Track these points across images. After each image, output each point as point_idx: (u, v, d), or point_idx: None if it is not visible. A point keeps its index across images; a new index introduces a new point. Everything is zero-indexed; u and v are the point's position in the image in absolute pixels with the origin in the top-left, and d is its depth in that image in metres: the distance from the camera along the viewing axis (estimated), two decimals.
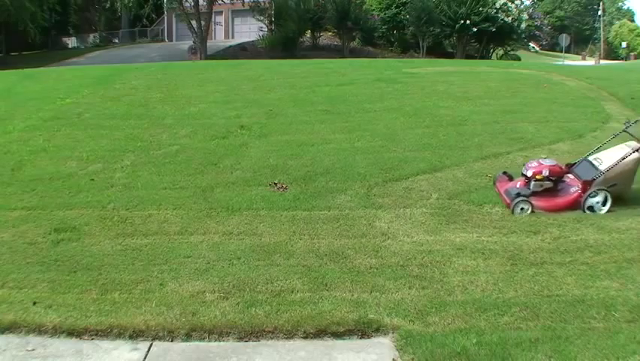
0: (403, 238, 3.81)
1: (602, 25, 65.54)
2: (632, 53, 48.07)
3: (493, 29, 25.71)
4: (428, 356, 2.42)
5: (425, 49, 26.65)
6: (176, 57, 24.25)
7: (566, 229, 3.94)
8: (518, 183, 4.55)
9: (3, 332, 2.67)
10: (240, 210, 4.41)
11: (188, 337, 2.64)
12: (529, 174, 4.47)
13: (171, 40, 39.64)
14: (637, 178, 4.56)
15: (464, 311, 2.79)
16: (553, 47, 49.94)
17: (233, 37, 36.92)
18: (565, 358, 2.39)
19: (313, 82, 10.35)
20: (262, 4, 28.14)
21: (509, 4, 26.54)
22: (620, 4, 78.93)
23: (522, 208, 4.32)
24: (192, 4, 25.68)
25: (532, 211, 4.31)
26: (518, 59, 28.07)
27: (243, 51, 27.04)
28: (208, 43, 26.35)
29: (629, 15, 76.26)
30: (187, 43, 29.01)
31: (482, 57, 26.59)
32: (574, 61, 36.69)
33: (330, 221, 4.12)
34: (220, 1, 27.52)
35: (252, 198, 4.67)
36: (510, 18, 26.45)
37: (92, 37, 41.91)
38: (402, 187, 4.90)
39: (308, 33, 27.52)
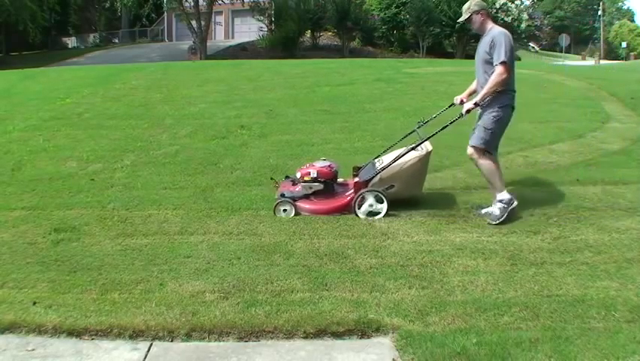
0: (403, 238, 3.81)
1: (602, 25, 65.56)
2: (632, 53, 48.09)
3: None
4: (428, 356, 2.42)
5: (425, 49, 26.66)
6: (176, 57, 24.26)
7: (566, 229, 3.94)
8: (298, 187, 4.44)
9: (3, 332, 2.67)
10: (240, 210, 4.41)
11: (188, 337, 2.64)
12: (298, 175, 4.41)
13: (171, 40, 39.64)
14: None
15: (464, 311, 2.79)
16: (553, 47, 49.94)
17: (233, 37, 36.93)
18: (565, 358, 2.39)
19: (313, 82, 10.36)
20: (262, 4, 28.15)
21: (509, 4, 26.56)
22: (620, 4, 78.97)
23: (284, 210, 4.28)
24: (192, 4, 25.69)
25: (298, 213, 4.25)
26: (518, 59, 28.08)
27: (243, 51, 27.05)
28: (208, 43, 26.36)
29: (629, 15, 76.32)
30: (187, 43, 29.02)
31: None
32: (574, 61, 36.68)
33: (330, 221, 4.13)
34: (220, 1, 27.52)
35: (252, 198, 4.67)
36: (510, 18, 26.47)
37: (92, 37, 41.92)
38: None
39: (308, 33, 27.53)
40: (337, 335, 2.66)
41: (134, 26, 40.43)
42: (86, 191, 4.94)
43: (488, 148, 4.22)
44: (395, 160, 4.29)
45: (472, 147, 4.24)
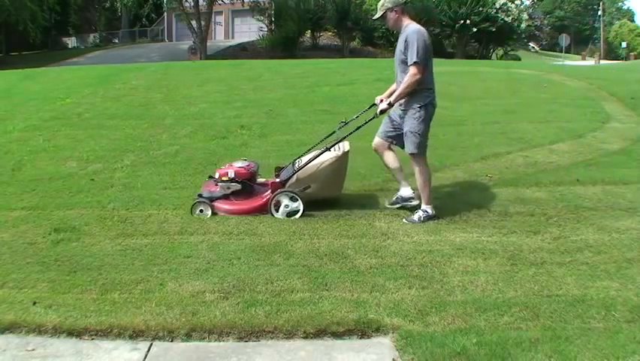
0: (403, 238, 3.81)
1: (602, 25, 65.57)
2: (632, 53, 48.09)
3: (493, 29, 25.75)
4: (428, 356, 2.42)
5: None
6: (176, 57, 24.28)
7: (566, 229, 3.94)
8: (218, 187, 4.44)
9: (3, 332, 2.67)
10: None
11: (188, 337, 2.64)
12: (217, 176, 4.40)
13: (171, 40, 39.66)
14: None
15: (464, 311, 2.79)
16: (553, 47, 49.98)
17: (233, 37, 36.95)
18: (565, 358, 2.39)
19: (313, 82, 10.36)
20: (262, 4, 28.17)
21: (509, 4, 26.58)
22: (620, 4, 79.00)
23: (201, 210, 4.27)
24: (192, 4, 25.71)
25: (215, 213, 4.24)
26: (518, 59, 28.11)
27: (243, 51, 27.07)
28: (208, 43, 26.38)
29: (629, 15, 76.35)
30: (187, 43, 29.03)
31: (482, 57, 26.63)
32: (574, 61, 36.70)
33: (330, 221, 4.13)
34: (220, 1, 27.53)
35: None
36: (510, 18, 26.49)
37: (92, 37, 41.94)
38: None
39: (308, 33, 27.56)
40: (337, 335, 2.66)
41: (134, 26, 40.45)
42: (86, 191, 4.94)
43: (424, 152, 4.22)
44: (311, 161, 4.30)
45: (411, 155, 4.23)
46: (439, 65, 14.46)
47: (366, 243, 3.71)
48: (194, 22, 25.33)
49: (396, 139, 4.35)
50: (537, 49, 39.05)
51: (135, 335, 2.64)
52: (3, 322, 2.70)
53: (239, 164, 4.48)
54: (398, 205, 4.36)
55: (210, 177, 4.60)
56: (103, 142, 6.56)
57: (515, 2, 27.23)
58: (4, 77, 13.21)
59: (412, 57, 3.96)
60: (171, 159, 5.86)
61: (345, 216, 4.25)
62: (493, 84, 9.85)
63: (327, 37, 28.56)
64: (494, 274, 3.23)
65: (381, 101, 4.31)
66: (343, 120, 4.50)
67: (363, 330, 2.68)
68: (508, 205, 4.45)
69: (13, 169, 5.66)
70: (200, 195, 4.35)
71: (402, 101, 4.15)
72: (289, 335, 2.65)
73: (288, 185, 4.30)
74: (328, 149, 4.34)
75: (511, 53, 29.76)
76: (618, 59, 48.31)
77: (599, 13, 68.19)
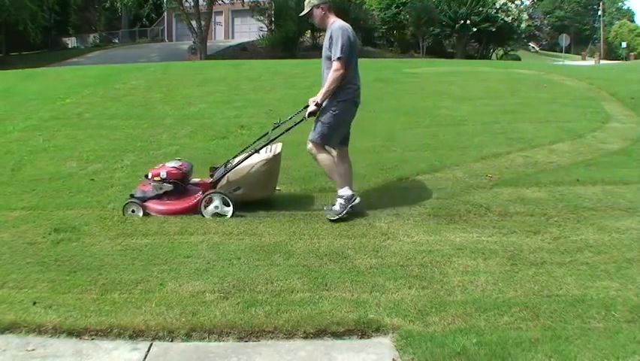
0: (402, 238, 3.81)
1: (602, 25, 65.58)
2: (632, 53, 48.10)
3: (493, 29, 25.76)
4: (428, 356, 2.42)
5: (425, 49, 26.67)
6: (176, 57, 24.27)
7: (566, 229, 3.94)
8: (151, 187, 4.44)
9: (3, 332, 2.67)
10: (240, 210, 4.41)
11: (188, 337, 2.64)
12: (150, 175, 4.39)
13: (171, 40, 39.66)
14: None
15: (464, 311, 2.79)
16: (553, 47, 49.98)
17: (233, 37, 36.96)
18: (565, 358, 2.39)
19: (313, 82, 10.33)
20: (262, 4, 28.17)
21: (509, 4, 26.58)
22: (620, 4, 79.01)
23: (132, 210, 4.27)
24: (192, 4, 25.70)
25: (147, 214, 4.24)
26: (518, 59, 28.11)
27: (243, 51, 27.07)
28: (208, 43, 26.38)
29: (629, 15, 76.37)
30: (187, 44, 29.03)
31: (482, 57, 26.63)
32: (574, 61, 36.71)
33: (330, 221, 4.12)
34: (220, 1, 27.53)
35: None
36: (510, 18, 26.50)
37: (92, 37, 41.94)
38: (402, 187, 4.90)
39: (308, 33, 27.56)
40: (337, 335, 2.66)
41: (134, 26, 40.46)
42: (86, 191, 4.94)
43: (326, 143, 4.20)
44: (240, 162, 4.32)
45: (311, 141, 4.21)
46: (440, 65, 14.44)
47: (366, 243, 3.71)
48: (194, 22, 25.34)
49: (343, 141, 4.35)
50: (537, 49, 39.05)
51: (135, 335, 2.64)
52: (3, 322, 2.70)
53: (172, 164, 4.47)
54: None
55: (146, 176, 4.57)
56: (103, 142, 6.56)
57: (515, 2, 27.23)
58: (4, 77, 13.21)
59: (336, 53, 3.97)
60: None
61: (344, 216, 4.24)
62: (493, 84, 9.85)
63: None
64: (494, 274, 3.23)
65: None
66: (277, 122, 4.46)
67: (363, 330, 2.68)
68: (508, 205, 4.45)
69: (13, 169, 5.65)
70: (131, 196, 4.35)
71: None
72: (289, 335, 2.65)
73: (219, 186, 4.32)
74: (257, 151, 4.36)
75: (511, 53, 29.77)
76: (618, 59, 48.30)
77: (599, 13, 68.20)
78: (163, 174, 4.33)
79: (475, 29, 25.47)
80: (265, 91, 9.59)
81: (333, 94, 4.09)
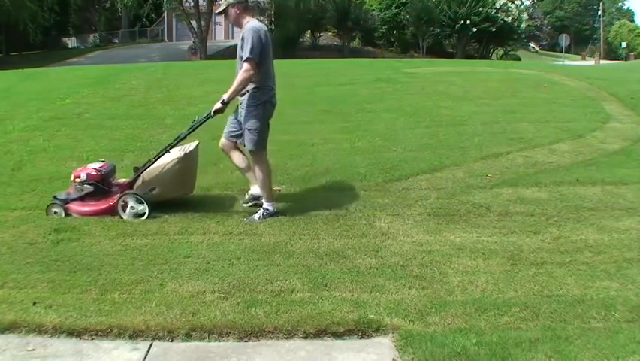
0: (402, 238, 3.81)
1: (602, 25, 65.59)
2: (632, 53, 48.09)
3: (493, 29, 25.76)
4: (428, 356, 2.42)
5: (425, 49, 26.68)
6: (176, 57, 24.27)
7: (566, 229, 3.94)
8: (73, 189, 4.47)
9: (3, 332, 2.67)
10: (240, 210, 4.41)
11: (188, 337, 2.64)
12: (72, 177, 4.41)
13: (171, 40, 39.66)
14: None
15: (464, 311, 2.79)
16: (553, 47, 49.98)
17: (233, 37, 36.92)
18: (565, 358, 2.39)
19: (313, 82, 10.36)
20: (262, 4, 28.17)
21: (509, 4, 26.58)
22: (620, 4, 79.03)
23: (55, 212, 4.28)
24: (192, 4, 25.71)
25: (69, 215, 4.26)
26: (518, 59, 28.11)
27: None
28: (208, 43, 26.38)
29: (629, 15, 76.38)
30: (187, 44, 29.05)
31: (482, 57, 26.64)
32: (574, 61, 36.70)
33: (330, 221, 4.12)
34: (220, 1, 27.53)
35: None
36: (510, 18, 26.50)
37: (92, 37, 41.93)
38: (402, 187, 4.90)
39: (308, 33, 27.57)
40: (337, 335, 2.66)
41: (134, 26, 40.44)
42: None
43: (263, 148, 4.25)
44: (153, 162, 4.34)
45: (250, 152, 4.27)
46: (440, 65, 14.44)
47: (366, 243, 3.71)
48: (194, 22, 25.34)
49: (240, 138, 4.37)
50: (537, 49, 39.04)
51: (135, 335, 2.64)
52: (3, 322, 2.70)
53: (93, 165, 4.49)
54: (251, 204, 4.41)
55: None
56: (103, 142, 6.56)
57: (515, 2, 27.23)
58: (4, 77, 13.21)
59: (246, 53, 3.97)
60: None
61: (345, 216, 4.25)
62: (493, 84, 9.85)
63: (327, 37, 28.57)
64: (494, 274, 3.23)
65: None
66: (194, 120, 4.46)
67: (363, 330, 2.68)
68: (508, 205, 4.45)
69: (13, 169, 5.65)
70: (54, 197, 4.36)
71: (243, 99, 4.17)
72: (289, 335, 2.65)
73: (135, 186, 4.34)
74: (167, 150, 4.37)
75: (511, 53, 29.77)
76: (618, 59, 48.30)
77: (599, 13, 68.21)
78: (83, 176, 4.36)
79: (475, 29, 25.47)
80: None
81: (251, 98, 4.12)
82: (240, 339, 2.64)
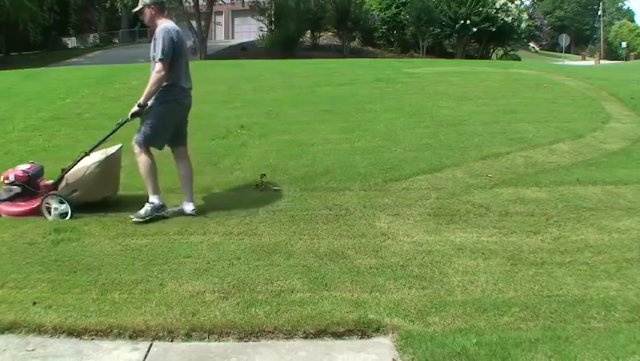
0: (402, 238, 3.81)
1: (602, 26, 65.59)
2: (632, 53, 48.10)
3: (493, 29, 25.74)
4: (428, 356, 2.42)
5: (425, 49, 26.68)
6: None
7: (566, 229, 3.94)
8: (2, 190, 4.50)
9: (3, 332, 2.67)
10: (240, 210, 4.41)
11: (188, 337, 2.64)
12: (1, 178, 4.45)
13: None
14: None
15: (464, 311, 2.79)
16: (553, 47, 50.00)
17: (233, 37, 36.96)
18: (565, 358, 2.39)
19: (313, 82, 10.35)
20: (262, 4, 28.16)
21: (509, 4, 26.57)
22: (620, 4, 79.03)
23: None
24: (192, 4, 25.69)
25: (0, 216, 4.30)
26: (518, 59, 28.10)
27: (243, 51, 27.06)
28: (208, 43, 26.36)
29: (629, 15, 76.38)
30: (187, 44, 29.03)
31: (482, 57, 26.62)
32: (574, 61, 36.71)
33: (330, 221, 4.13)
34: (220, 1, 27.52)
35: (252, 198, 4.68)
36: (510, 18, 26.48)
37: (92, 37, 41.91)
38: (402, 187, 4.90)
39: (308, 33, 27.55)
40: (337, 335, 2.66)
41: (134, 26, 40.43)
42: None
43: (150, 144, 4.23)
44: (75, 165, 4.37)
45: (135, 142, 4.25)
46: (440, 65, 14.42)
47: (366, 243, 3.71)
48: (194, 22, 25.33)
49: (172, 142, 4.43)
50: (537, 49, 39.03)
51: (135, 335, 2.65)
52: (3, 322, 2.70)
53: (22, 167, 4.52)
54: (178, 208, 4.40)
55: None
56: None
57: (515, 2, 27.22)
58: (4, 77, 13.20)
59: (157, 54, 4.02)
60: (171, 159, 5.84)
61: (345, 216, 4.25)
62: (493, 84, 9.84)
63: (327, 37, 28.55)
64: (494, 274, 3.23)
65: None
66: (119, 122, 4.44)
67: (363, 330, 2.68)
68: (508, 205, 4.45)
69: None
70: None
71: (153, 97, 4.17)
72: (289, 335, 2.66)
73: (60, 188, 4.37)
74: (87, 153, 4.40)
75: (511, 53, 29.75)
76: (618, 59, 48.32)
77: (599, 13, 68.22)
78: (11, 178, 4.40)
79: (475, 29, 25.45)
80: (265, 91, 9.58)
81: (159, 95, 4.13)
82: (240, 339, 2.64)
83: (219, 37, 37.63)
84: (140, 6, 4.28)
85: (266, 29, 28.32)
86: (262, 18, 28.66)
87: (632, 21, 69.28)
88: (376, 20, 27.77)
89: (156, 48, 4.05)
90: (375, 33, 28.06)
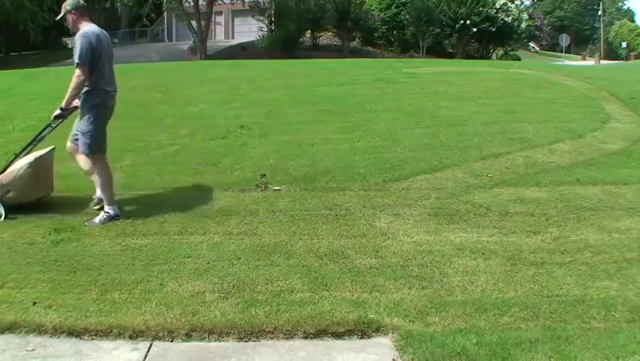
0: (402, 238, 3.81)
1: (602, 26, 65.59)
2: (632, 53, 48.09)
3: (493, 29, 25.75)
4: (428, 356, 2.42)
5: (425, 49, 26.67)
6: (176, 57, 24.24)
7: (566, 229, 3.94)
8: None
9: (3, 332, 2.67)
10: (240, 210, 4.41)
11: (188, 337, 2.64)
12: None
13: (171, 41, 39.64)
14: None
15: (464, 311, 2.79)
16: (553, 47, 50.00)
17: (233, 37, 36.95)
18: (565, 358, 2.39)
19: (313, 82, 10.35)
20: (262, 4, 28.15)
21: (509, 4, 26.57)
22: (620, 4, 79.03)
23: None
24: (192, 4, 25.69)
25: None
26: (518, 59, 28.10)
27: (243, 51, 27.05)
28: (208, 43, 26.35)
29: (629, 15, 76.37)
30: (187, 44, 29.01)
31: (482, 57, 26.63)
32: (574, 61, 36.70)
33: (330, 221, 4.13)
34: (220, 1, 27.51)
35: (252, 198, 4.68)
36: (510, 18, 26.48)
37: None
38: (402, 187, 4.90)
39: (308, 33, 27.55)
40: (337, 335, 2.66)
41: (134, 26, 40.40)
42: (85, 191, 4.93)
43: (96, 152, 4.27)
44: (8, 166, 4.41)
45: (85, 155, 4.30)
46: (440, 65, 14.41)
47: (366, 243, 3.71)
48: (194, 22, 25.32)
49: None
50: (537, 49, 39.01)
51: (135, 335, 2.65)
52: (3, 322, 2.70)
53: None
54: (99, 206, 4.42)
55: None
56: None
57: (515, 2, 27.22)
58: (4, 77, 13.20)
59: (75, 58, 4.06)
60: (171, 159, 5.86)
61: (345, 216, 4.25)
62: (493, 84, 9.84)
63: (327, 37, 28.54)
64: (494, 274, 3.23)
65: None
66: (50, 124, 4.49)
67: (363, 330, 2.68)
68: (508, 205, 4.45)
69: None
70: None
71: (79, 102, 4.21)
72: (289, 335, 2.66)
73: None
74: (17, 155, 4.45)
75: (511, 53, 29.76)
76: (618, 59, 48.30)
77: (599, 13, 68.22)
78: None
79: (475, 29, 25.46)
80: (265, 91, 9.58)
81: (84, 101, 4.17)
82: (240, 339, 2.64)
83: (219, 37, 37.61)
84: (62, 12, 4.32)
85: (266, 29, 28.32)
86: (262, 18, 28.64)
87: (632, 21, 69.25)
88: (376, 20, 27.77)
89: (74, 53, 4.09)
90: (375, 33, 28.06)
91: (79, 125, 4.26)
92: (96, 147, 4.25)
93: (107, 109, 4.28)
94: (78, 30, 4.21)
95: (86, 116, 4.18)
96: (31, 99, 9.45)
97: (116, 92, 4.37)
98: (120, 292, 3.02)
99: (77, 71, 4.03)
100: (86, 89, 4.12)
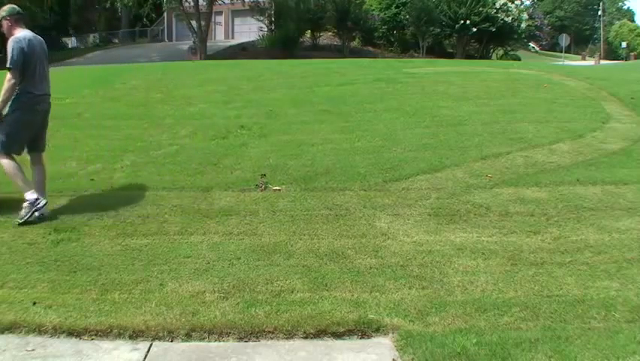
0: (402, 238, 3.81)
1: (602, 25, 65.60)
2: (632, 53, 48.09)
3: (493, 29, 25.76)
4: (428, 356, 2.42)
5: (425, 49, 26.68)
6: (176, 57, 24.24)
7: (566, 229, 3.94)
8: None
9: (3, 332, 2.67)
10: (240, 210, 4.41)
11: (188, 337, 2.64)
12: None
13: (171, 40, 39.64)
14: None
15: (464, 311, 2.79)
16: (553, 47, 50.01)
17: (233, 37, 36.95)
18: (565, 358, 2.39)
19: (313, 82, 10.35)
20: (262, 4, 28.15)
21: (509, 4, 26.58)
22: (620, 4, 79.04)
23: None
24: (192, 4, 25.69)
25: None
26: (518, 59, 28.12)
27: (243, 51, 27.05)
28: (208, 43, 26.34)
29: (629, 15, 76.37)
30: (187, 43, 29.01)
31: (482, 57, 26.64)
32: (574, 61, 36.71)
33: (330, 221, 4.13)
34: (220, 1, 27.51)
35: (252, 197, 4.68)
36: (510, 18, 26.49)
37: (91, 38, 41.86)
38: (402, 187, 4.90)
39: (308, 33, 27.56)
40: (337, 335, 2.66)
41: (134, 26, 40.42)
42: (85, 191, 4.94)
43: (7, 151, 4.31)
44: None
45: None
46: (440, 65, 14.42)
47: (366, 243, 3.71)
48: (194, 22, 25.32)
49: None
50: (537, 49, 39.02)
51: (135, 335, 2.65)
52: (3, 322, 2.70)
53: None
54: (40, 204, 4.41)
55: None
56: (103, 142, 6.55)
57: (515, 2, 27.23)
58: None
59: (7, 63, 4.16)
60: (171, 159, 5.86)
61: (345, 216, 4.25)
62: (493, 84, 9.84)
63: (327, 37, 28.55)
64: (494, 274, 3.23)
65: None
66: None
67: (363, 330, 2.68)
68: (508, 205, 4.45)
69: None
70: None
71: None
72: (289, 335, 2.66)
73: None
74: None
75: (511, 53, 29.77)
76: (618, 59, 48.32)
77: (599, 13, 68.23)
78: None
79: (475, 29, 25.47)
80: (265, 91, 9.58)
81: (12, 102, 4.25)
82: (240, 339, 2.64)
83: (219, 37, 37.61)
84: None
85: (266, 29, 28.32)
86: (262, 18, 28.64)
87: (632, 21, 69.25)
88: (376, 20, 27.78)
89: (7, 58, 4.18)
90: (375, 33, 28.07)
91: (1, 124, 4.31)
92: (8, 146, 4.30)
93: (34, 112, 4.36)
94: (13, 35, 4.32)
95: (10, 116, 4.26)
96: None
97: (49, 95, 4.47)
98: (120, 292, 3.02)
99: (9, 75, 4.16)
100: (17, 91, 4.22)
